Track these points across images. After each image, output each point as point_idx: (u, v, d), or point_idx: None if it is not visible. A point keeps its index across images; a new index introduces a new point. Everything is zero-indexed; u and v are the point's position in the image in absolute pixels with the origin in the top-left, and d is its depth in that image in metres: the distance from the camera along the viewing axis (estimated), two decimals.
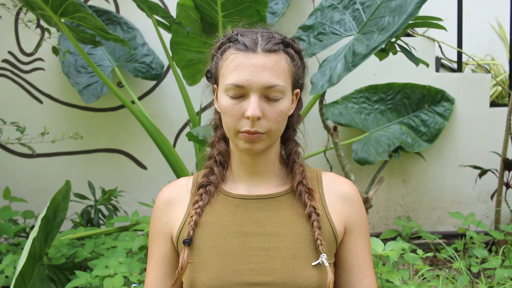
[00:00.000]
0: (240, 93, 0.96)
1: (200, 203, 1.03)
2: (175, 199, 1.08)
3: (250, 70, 0.95)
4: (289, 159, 1.08)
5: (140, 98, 2.88)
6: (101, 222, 2.54)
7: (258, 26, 1.05)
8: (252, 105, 0.95)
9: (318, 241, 0.98)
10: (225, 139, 1.08)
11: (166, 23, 2.50)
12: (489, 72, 3.36)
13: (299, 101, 1.08)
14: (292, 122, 1.08)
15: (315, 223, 0.99)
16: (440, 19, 2.02)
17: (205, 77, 1.11)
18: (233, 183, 1.07)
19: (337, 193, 1.07)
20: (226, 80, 0.97)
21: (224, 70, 0.99)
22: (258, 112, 0.95)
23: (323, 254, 0.97)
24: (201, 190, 1.05)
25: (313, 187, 1.05)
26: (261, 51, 0.96)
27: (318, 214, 1.01)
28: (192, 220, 1.01)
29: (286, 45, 1.01)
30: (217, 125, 1.09)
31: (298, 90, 1.06)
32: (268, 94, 0.97)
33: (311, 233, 0.99)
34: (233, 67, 0.96)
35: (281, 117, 0.99)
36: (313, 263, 0.97)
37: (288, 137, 1.08)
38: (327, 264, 0.96)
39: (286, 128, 1.05)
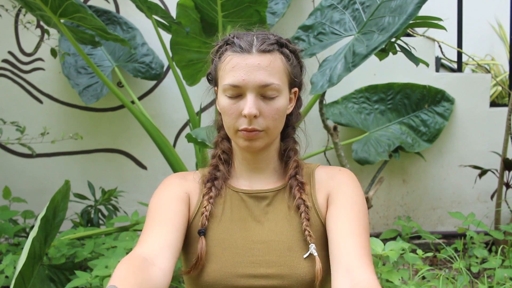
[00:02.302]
0: (237, 92, 1.00)
1: (211, 194, 1.06)
2: (188, 183, 1.10)
3: (246, 70, 0.98)
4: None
5: (140, 98, 2.88)
6: (101, 222, 2.54)
7: (255, 28, 1.09)
8: (249, 104, 0.98)
9: (306, 232, 1.00)
10: (227, 138, 1.12)
11: (166, 23, 2.50)
12: (489, 72, 3.35)
13: (298, 100, 1.11)
14: (291, 120, 1.11)
15: (303, 215, 1.02)
16: (440, 19, 2.02)
17: (205, 78, 1.15)
18: (236, 179, 1.11)
19: (324, 179, 1.09)
20: (223, 81, 1.01)
21: (222, 71, 1.02)
22: (255, 110, 0.98)
23: (311, 244, 0.99)
24: (208, 184, 1.08)
25: (305, 180, 1.07)
26: (256, 52, 0.99)
27: (307, 206, 1.03)
28: (206, 210, 1.04)
29: (281, 45, 1.03)
30: (220, 125, 1.12)
31: (296, 89, 1.08)
32: (264, 93, 1.00)
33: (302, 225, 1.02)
34: (230, 68, 1.00)
35: (278, 114, 1.02)
36: (304, 255, 0.99)
37: (286, 135, 1.11)
38: (315, 254, 0.98)
39: (285, 126, 1.09)
